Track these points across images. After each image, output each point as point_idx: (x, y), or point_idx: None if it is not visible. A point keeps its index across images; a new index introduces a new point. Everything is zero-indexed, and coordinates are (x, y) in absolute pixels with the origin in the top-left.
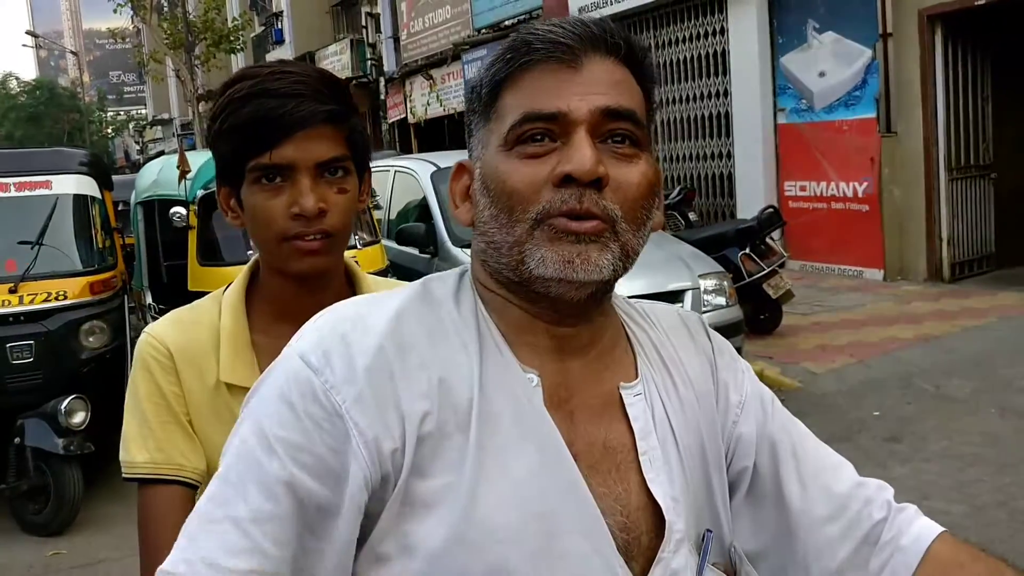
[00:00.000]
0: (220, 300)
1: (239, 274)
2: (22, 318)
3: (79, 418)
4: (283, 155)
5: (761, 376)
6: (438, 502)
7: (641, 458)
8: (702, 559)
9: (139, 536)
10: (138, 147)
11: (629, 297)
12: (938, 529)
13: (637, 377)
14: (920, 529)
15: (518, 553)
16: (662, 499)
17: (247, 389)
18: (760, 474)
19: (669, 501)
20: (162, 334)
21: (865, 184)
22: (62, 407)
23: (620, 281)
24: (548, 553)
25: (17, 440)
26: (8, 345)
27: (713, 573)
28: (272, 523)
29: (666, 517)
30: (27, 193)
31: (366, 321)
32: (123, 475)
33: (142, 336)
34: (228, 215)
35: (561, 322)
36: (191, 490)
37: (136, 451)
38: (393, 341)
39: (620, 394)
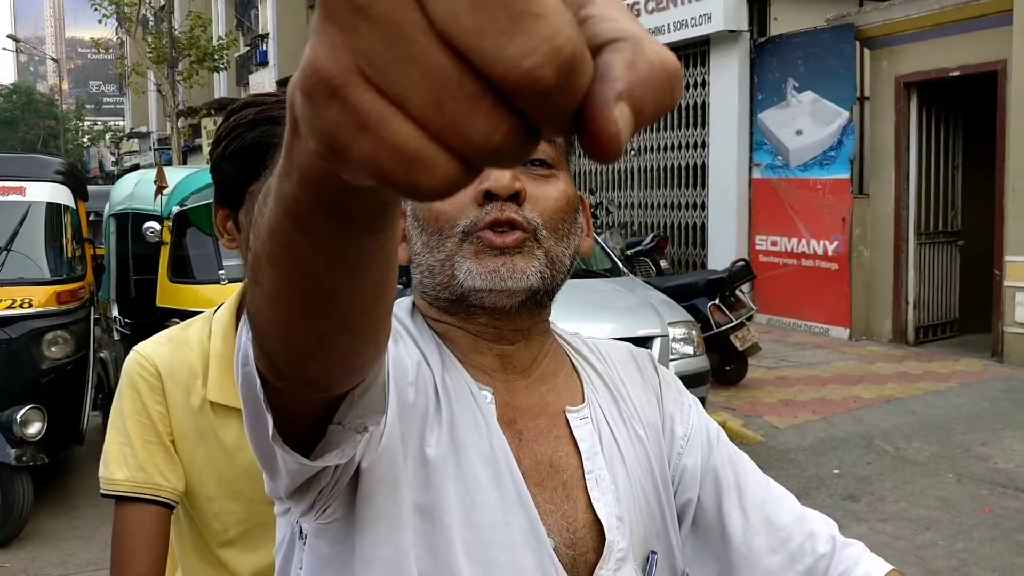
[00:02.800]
0: (211, 321)
1: (213, 295)
2: None
3: (35, 428)
4: None
5: (724, 428)
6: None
7: (587, 477)
8: None
9: (112, 551)
10: (113, 159)
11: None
12: (887, 567)
13: (583, 402)
14: (868, 567)
15: (465, 558)
16: (605, 518)
17: (233, 409)
18: (703, 506)
19: (613, 520)
20: (151, 353)
21: (836, 243)
22: (18, 416)
23: (589, 324)
24: (493, 564)
25: None
26: None
27: None
28: None
29: (607, 535)
30: (1, 198)
31: None
32: (101, 491)
33: (131, 354)
34: (224, 237)
35: (502, 339)
36: (168, 510)
37: (116, 468)
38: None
39: (567, 417)
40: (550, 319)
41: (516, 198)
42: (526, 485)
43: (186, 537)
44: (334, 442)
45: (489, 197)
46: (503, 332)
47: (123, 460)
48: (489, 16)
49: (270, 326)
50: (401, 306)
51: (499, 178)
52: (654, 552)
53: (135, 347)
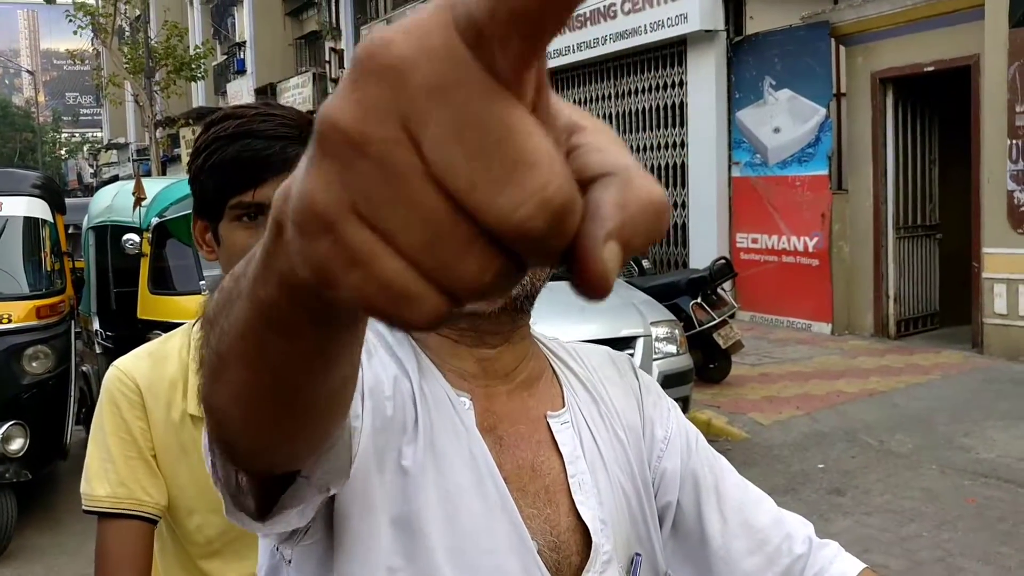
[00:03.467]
0: (190, 334)
1: (194, 306)
2: None
3: (17, 445)
4: (266, 194)
5: (708, 425)
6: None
7: (570, 480)
8: None
9: (95, 567)
10: (92, 170)
11: (581, 341)
12: (860, 566)
13: (564, 406)
14: (843, 567)
15: (447, 565)
16: (590, 521)
17: None
18: (683, 509)
19: (597, 523)
20: (131, 368)
21: (816, 239)
22: (0, 433)
23: (572, 326)
24: (477, 569)
25: None
26: None
27: None
28: None
29: (593, 538)
30: None
31: None
32: (83, 507)
33: (110, 370)
34: (203, 249)
35: (482, 343)
36: (151, 525)
37: (98, 484)
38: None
39: (548, 422)
40: (530, 323)
41: None
42: (508, 490)
43: (169, 551)
44: (298, 496)
45: None
46: (484, 336)
47: (104, 476)
48: (484, 166)
49: (236, 422)
50: None
51: None
52: (638, 554)
53: (114, 362)
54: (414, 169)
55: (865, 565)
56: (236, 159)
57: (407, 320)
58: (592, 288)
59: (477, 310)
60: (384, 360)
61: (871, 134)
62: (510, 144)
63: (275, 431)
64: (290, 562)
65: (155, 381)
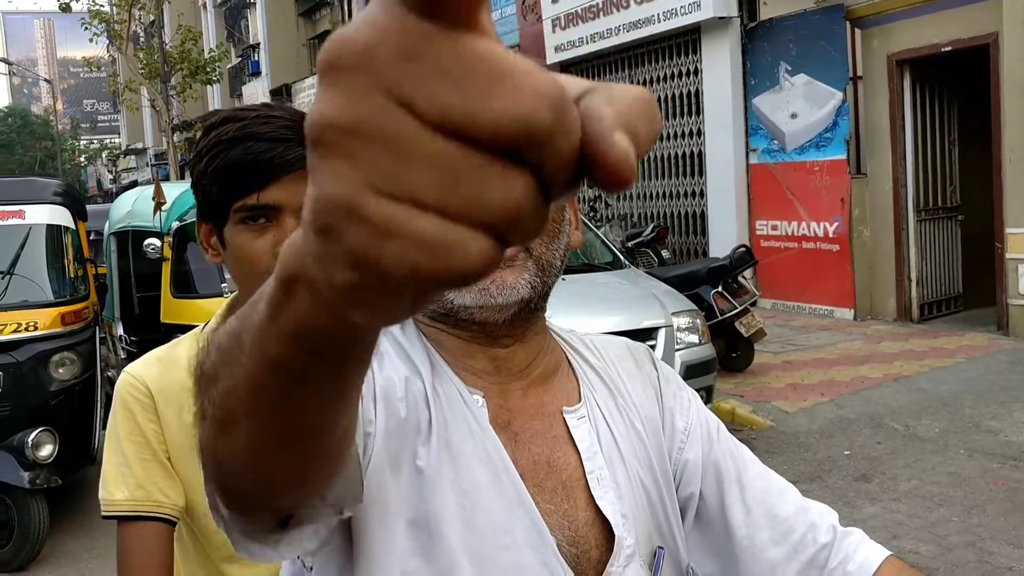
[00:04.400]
0: (199, 337)
1: (217, 309)
2: None
3: (46, 451)
4: (270, 197)
5: (732, 415)
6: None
7: (588, 477)
8: (654, 575)
9: (118, 570)
10: (111, 176)
11: (602, 333)
12: (885, 553)
13: (580, 401)
14: (867, 554)
15: (466, 563)
16: (611, 516)
17: None
18: (706, 500)
19: (619, 518)
20: (142, 373)
21: (836, 224)
22: (29, 440)
23: (593, 318)
24: (496, 566)
25: None
26: None
27: None
28: None
29: (615, 533)
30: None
31: None
32: (102, 513)
33: (122, 375)
34: (208, 252)
35: (495, 343)
36: (170, 526)
37: (115, 489)
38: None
39: (564, 417)
40: (547, 317)
41: None
42: (525, 486)
43: (189, 553)
44: (311, 516)
45: None
46: (496, 337)
47: (122, 480)
48: (471, 90)
49: (245, 471)
50: None
51: None
52: (661, 548)
53: (125, 368)
54: (410, 126)
55: (890, 552)
56: (239, 163)
57: (459, 270)
58: (616, 176)
59: (488, 319)
60: (395, 362)
61: (889, 117)
62: (485, 64)
63: (290, 474)
64: (311, 569)
65: (166, 385)
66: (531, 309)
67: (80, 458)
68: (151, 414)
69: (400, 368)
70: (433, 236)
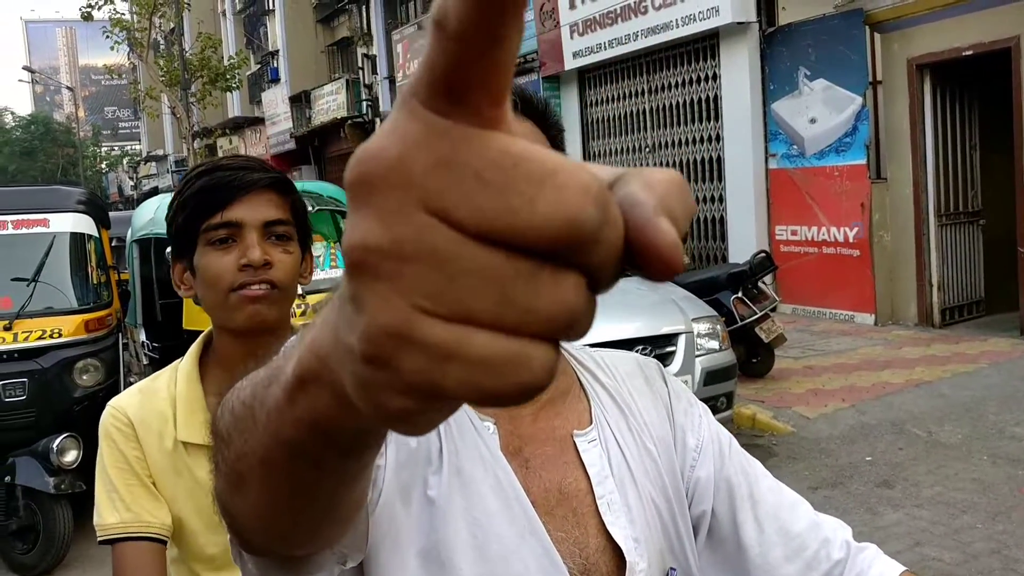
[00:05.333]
0: (176, 369)
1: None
2: (16, 355)
3: (71, 457)
4: (233, 214)
5: (753, 420)
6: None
7: (599, 502)
8: None
9: None
10: (132, 183)
11: (621, 340)
12: (899, 568)
13: (591, 423)
14: (882, 569)
15: None
16: (623, 541)
17: (202, 446)
18: (718, 517)
19: (631, 543)
20: (123, 405)
21: (856, 229)
22: (54, 445)
23: (613, 325)
24: None
25: (7, 479)
26: (1, 383)
27: None
28: None
29: (627, 558)
30: (24, 231)
31: None
32: (98, 539)
33: (106, 409)
34: (181, 288)
35: None
36: (161, 545)
37: (107, 514)
38: None
39: (574, 441)
40: None
41: None
42: (536, 513)
43: (182, 571)
44: (318, 563)
45: None
46: None
47: (111, 506)
48: (514, 192)
49: (257, 527)
50: None
51: None
52: (673, 568)
53: (109, 402)
54: (454, 241)
55: (904, 568)
56: (204, 188)
57: (526, 385)
58: (667, 262)
59: None
60: None
61: (909, 121)
62: (524, 165)
63: (300, 535)
64: None
65: (146, 414)
66: None
67: None
68: (133, 441)
69: None
70: (495, 354)
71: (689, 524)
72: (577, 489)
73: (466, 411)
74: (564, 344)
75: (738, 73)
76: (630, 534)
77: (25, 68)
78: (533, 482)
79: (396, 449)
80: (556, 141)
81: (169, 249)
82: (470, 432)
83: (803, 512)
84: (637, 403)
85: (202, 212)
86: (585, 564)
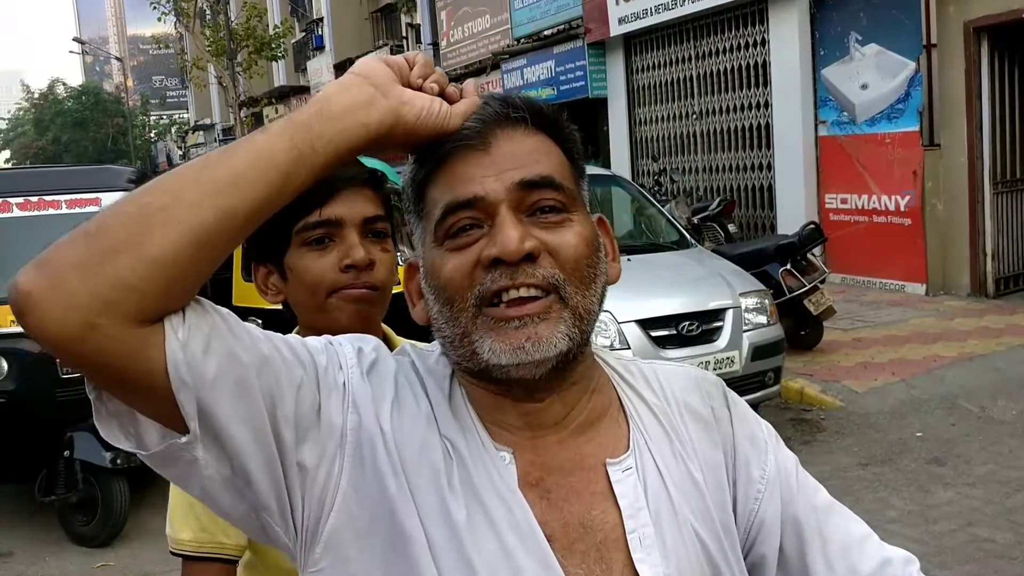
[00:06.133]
0: None
1: None
2: None
3: None
4: (332, 211)
5: (801, 394)
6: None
7: (629, 537)
8: None
9: None
10: (180, 152)
11: (668, 316)
12: None
13: (628, 450)
14: None
15: None
16: None
17: None
18: (787, 556)
19: None
20: None
21: (907, 197)
22: None
23: (660, 300)
24: None
25: (66, 453)
26: (58, 359)
27: None
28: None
29: None
30: (78, 210)
31: (388, 354)
32: (170, 549)
33: None
34: (268, 294)
35: (529, 398)
36: (231, 565)
37: (181, 529)
38: (405, 378)
39: (607, 470)
40: (609, 306)
41: (530, 258)
42: (552, 550)
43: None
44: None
45: (496, 263)
46: (532, 392)
47: (186, 521)
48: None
49: (176, 263)
50: (432, 358)
51: (505, 243)
52: None
53: None
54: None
55: None
56: None
57: (440, 112)
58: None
59: (525, 376)
60: (420, 403)
61: (965, 86)
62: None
63: (208, 262)
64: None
65: None
66: (570, 360)
67: None
68: None
69: (422, 407)
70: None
71: (740, 559)
72: (604, 523)
73: (481, 440)
74: (610, 359)
75: (787, 38)
76: (663, 571)
77: (75, 39)
78: (553, 515)
79: (398, 456)
80: (571, 153)
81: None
82: (484, 463)
83: (872, 549)
84: (688, 427)
85: (296, 210)
86: None
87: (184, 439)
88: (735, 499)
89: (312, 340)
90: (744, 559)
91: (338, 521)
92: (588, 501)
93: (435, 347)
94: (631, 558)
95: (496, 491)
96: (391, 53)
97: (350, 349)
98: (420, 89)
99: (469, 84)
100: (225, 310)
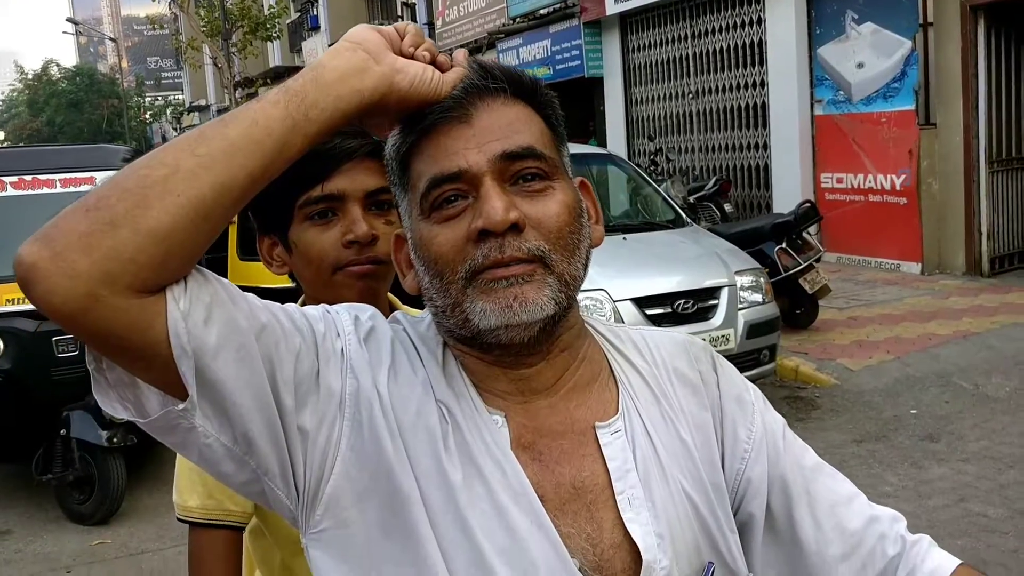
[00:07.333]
0: None
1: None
2: None
3: None
4: (334, 186)
5: (796, 372)
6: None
7: (618, 497)
8: None
9: (189, 571)
10: (176, 133)
11: (663, 294)
12: (954, 563)
13: (617, 413)
14: (936, 564)
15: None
16: (641, 538)
17: None
18: (774, 514)
19: (652, 539)
20: None
21: (903, 176)
22: None
23: (656, 278)
24: None
25: (63, 432)
26: (54, 338)
27: None
28: (283, 316)
29: (644, 556)
30: (72, 189)
31: (384, 322)
32: (176, 516)
33: None
34: (273, 265)
35: (519, 364)
36: (238, 532)
37: (189, 496)
38: (401, 345)
39: (596, 433)
40: (608, 281)
41: (516, 228)
42: (545, 509)
43: (262, 548)
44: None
45: (484, 234)
46: (521, 357)
47: (193, 489)
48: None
49: (174, 235)
50: (423, 325)
51: (490, 214)
52: (711, 563)
53: None
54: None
55: (960, 561)
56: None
57: (431, 79)
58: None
59: (514, 339)
60: (417, 370)
61: (961, 65)
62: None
63: (207, 233)
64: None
65: None
66: (556, 323)
67: None
68: None
69: (420, 375)
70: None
71: (731, 517)
72: (593, 484)
73: (474, 405)
74: (600, 327)
75: (783, 17)
76: (653, 529)
77: (69, 20)
78: (545, 477)
79: (395, 418)
80: (550, 120)
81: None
82: (478, 426)
83: (859, 507)
84: (676, 389)
85: (299, 184)
86: (598, 561)
87: (182, 406)
88: (723, 458)
89: (310, 309)
90: (733, 517)
91: (338, 483)
92: (578, 463)
93: (425, 315)
94: (621, 518)
95: (489, 453)
96: None
97: (347, 317)
98: (412, 57)
99: (459, 53)
100: (225, 279)
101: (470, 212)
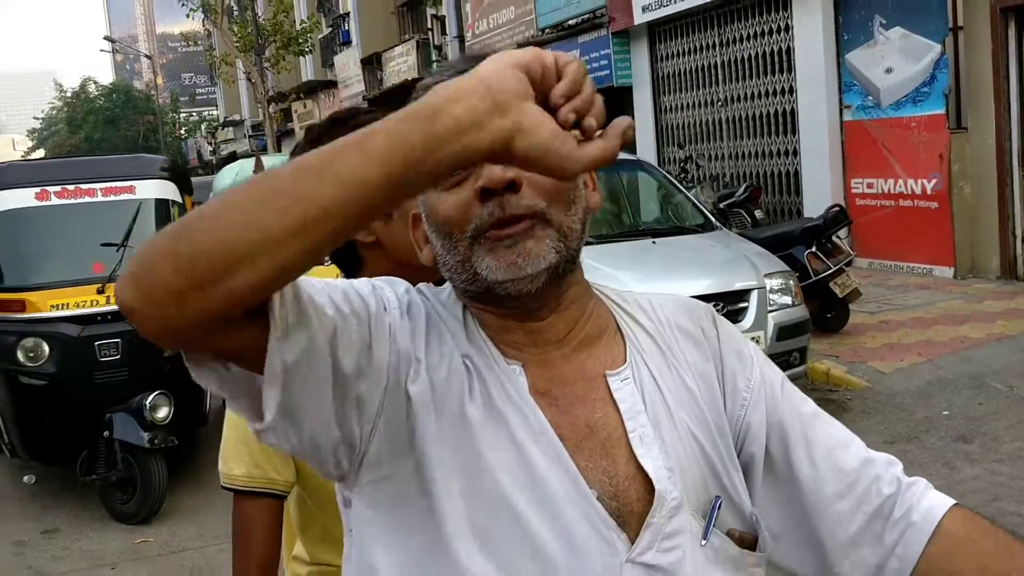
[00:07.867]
0: None
1: (334, 274)
2: (109, 317)
3: (163, 413)
4: None
5: (827, 375)
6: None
7: (630, 435)
8: (707, 524)
9: (233, 538)
10: (211, 148)
11: (694, 296)
12: (949, 503)
13: (625, 363)
14: (931, 504)
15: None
16: (653, 471)
17: None
18: (773, 458)
19: (663, 471)
20: None
21: (934, 181)
22: (147, 402)
23: (685, 282)
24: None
25: (106, 433)
26: (97, 343)
27: (719, 538)
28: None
29: (656, 486)
30: (112, 198)
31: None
32: (221, 484)
33: None
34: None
35: (531, 317)
36: (280, 501)
37: (234, 464)
38: (434, 312)
39: (606, 380)
40: (632, 284)
41: (513, 187)
42: (564, 446)
43: (303, 516)
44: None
45: (486, 193)
46: (531, 310)
47: (239, 457)
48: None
49: (256, 296)
50: (444, 294)
51: (490, 173)
52: (718, 497)
53: None
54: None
55: (955, 501)
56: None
57: (573, 153)
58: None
59: (522, 290)
60: (441, 333)
61: (992, 68)
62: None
63: (310, 254)
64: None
65: None
66: (560, 275)
67: (194, 419)
68: None
69: (446, 340)
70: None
71: (735, 457)
72: (606, 423)
73: (493, 357)
74: (607, 291)
75: (811, 23)
76: (663, 463)
77: (106, 38)
78: (562, 419)
79: (428, 378)
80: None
81: None
82: (497, 375)
83: (856, 450)
84: (679, 342)
85: None
86: (615, 491)
87: (259, 427)
88: (724, 406)
89: (360, 284)
90: (737, 457)
91: (380, 444)
92: (591, 406)
93: (446, 287)
94: (634, 454)
95: (509, 399)
96: (417, 47)
97: (391, 292)
98: (556, 111)
99: (621, 122)
100: (304, 280)
101: (474, 178)
